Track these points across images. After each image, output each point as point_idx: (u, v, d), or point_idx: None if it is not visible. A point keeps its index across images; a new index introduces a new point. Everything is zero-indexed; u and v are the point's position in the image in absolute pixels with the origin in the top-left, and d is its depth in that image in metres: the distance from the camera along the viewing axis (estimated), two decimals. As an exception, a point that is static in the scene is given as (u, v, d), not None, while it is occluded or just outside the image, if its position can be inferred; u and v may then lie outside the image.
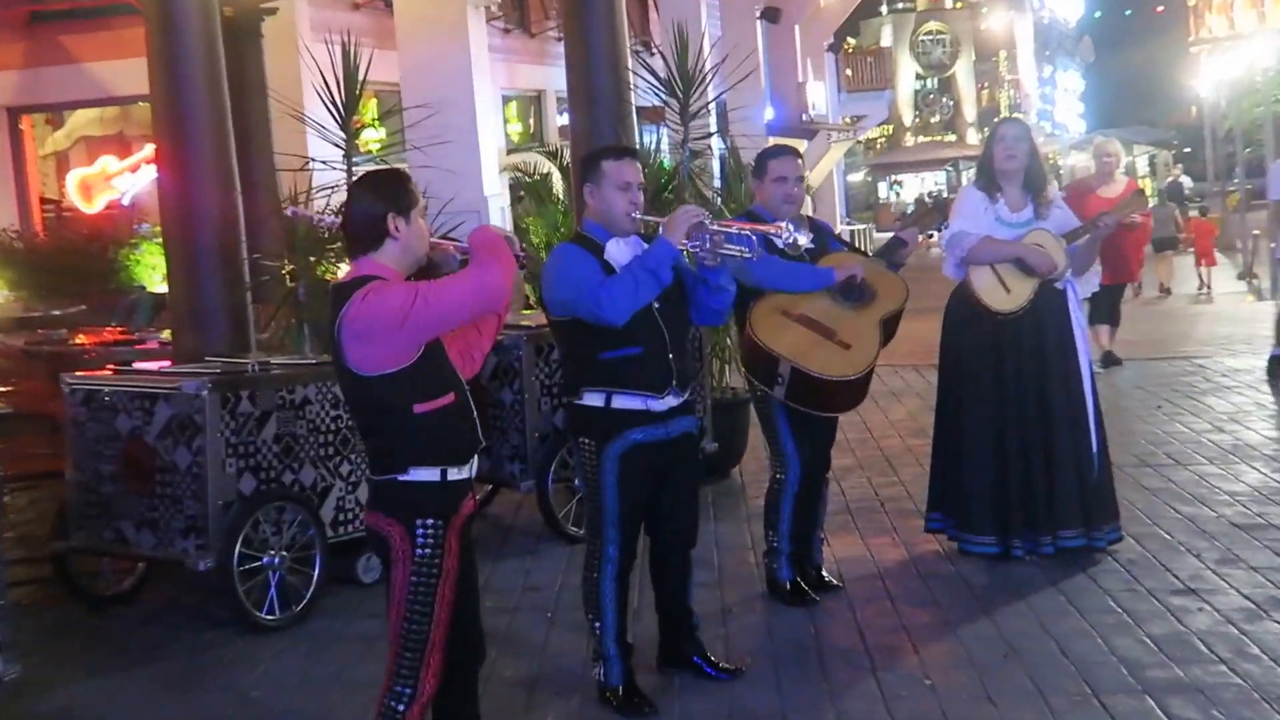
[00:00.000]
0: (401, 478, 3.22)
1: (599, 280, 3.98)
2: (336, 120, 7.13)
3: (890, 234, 5.45)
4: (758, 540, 5.95)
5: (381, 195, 3.25)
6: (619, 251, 4.10)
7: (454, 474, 3.25)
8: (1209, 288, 17.75)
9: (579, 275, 3.99)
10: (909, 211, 29.71)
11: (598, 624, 4.23)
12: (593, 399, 4.09)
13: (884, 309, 5.06)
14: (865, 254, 5.45)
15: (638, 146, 8.34)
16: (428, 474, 3.22)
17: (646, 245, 4.09)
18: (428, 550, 3.21)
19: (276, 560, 5.42)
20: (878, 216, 37.76)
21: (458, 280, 3.20)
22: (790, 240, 4.04)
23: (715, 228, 4.01)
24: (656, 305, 4.06)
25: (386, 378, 3.17)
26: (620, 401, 4.06)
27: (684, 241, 3.99)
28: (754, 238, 4.01)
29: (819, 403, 4.98)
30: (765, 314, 4.95)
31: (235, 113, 7.19)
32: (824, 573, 5.44)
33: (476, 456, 3.34)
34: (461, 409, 3.29)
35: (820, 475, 5.35)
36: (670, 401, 4.12)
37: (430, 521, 3.21)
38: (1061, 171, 35.88)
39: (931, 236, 5.59)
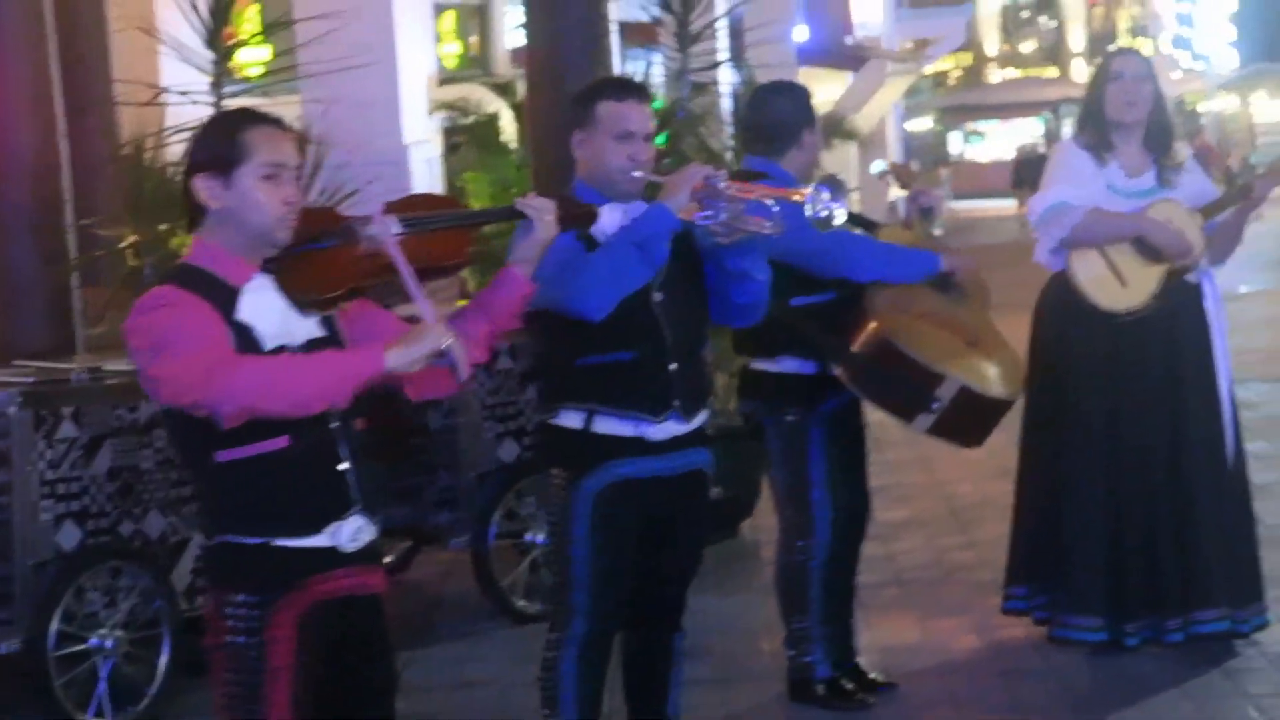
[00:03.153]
0: (215, 540, 3.25)
1: (572, 259, 4.00)
2: (201, 35, 7.15)
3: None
4: (776, 621, 5.96)
5: (196, 147, 3.24)
6: (612, 221, 4.11)
7: (288, 543, 3.19)
8: None
9: (550, 250, 4.01)
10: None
11: None
12: (569, 419, 4.15)
13: (981, 304, 5.27)
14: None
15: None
16: (244, 539, 3.20)
17: None
18: (240, 638, 3.17)
19: (109, 643, 5.43)
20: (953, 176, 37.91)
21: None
22: (823, 213, 3.88)
23: (732, 192, 4.01)
24: (658, 295, 4.11)
25: (177, 412, 3.14)
26: (603, 424, 4.12)
27: (692, 211, 4.00)
28: (775, 207, 4.00)
29: (972, 436, 5.18)
30: (891, 312, 5.02)
31: (59, 21, 7.19)
32: (860, 664, 5.46)
33: (359, 518, 3.24)
34: (304, 457, 3.18)
35: (861, 525, 5.46)
36: (671, 429, 4.16)
37: (241, 598, 3.17)
38: (1204, 122, 36.08)
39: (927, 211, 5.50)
